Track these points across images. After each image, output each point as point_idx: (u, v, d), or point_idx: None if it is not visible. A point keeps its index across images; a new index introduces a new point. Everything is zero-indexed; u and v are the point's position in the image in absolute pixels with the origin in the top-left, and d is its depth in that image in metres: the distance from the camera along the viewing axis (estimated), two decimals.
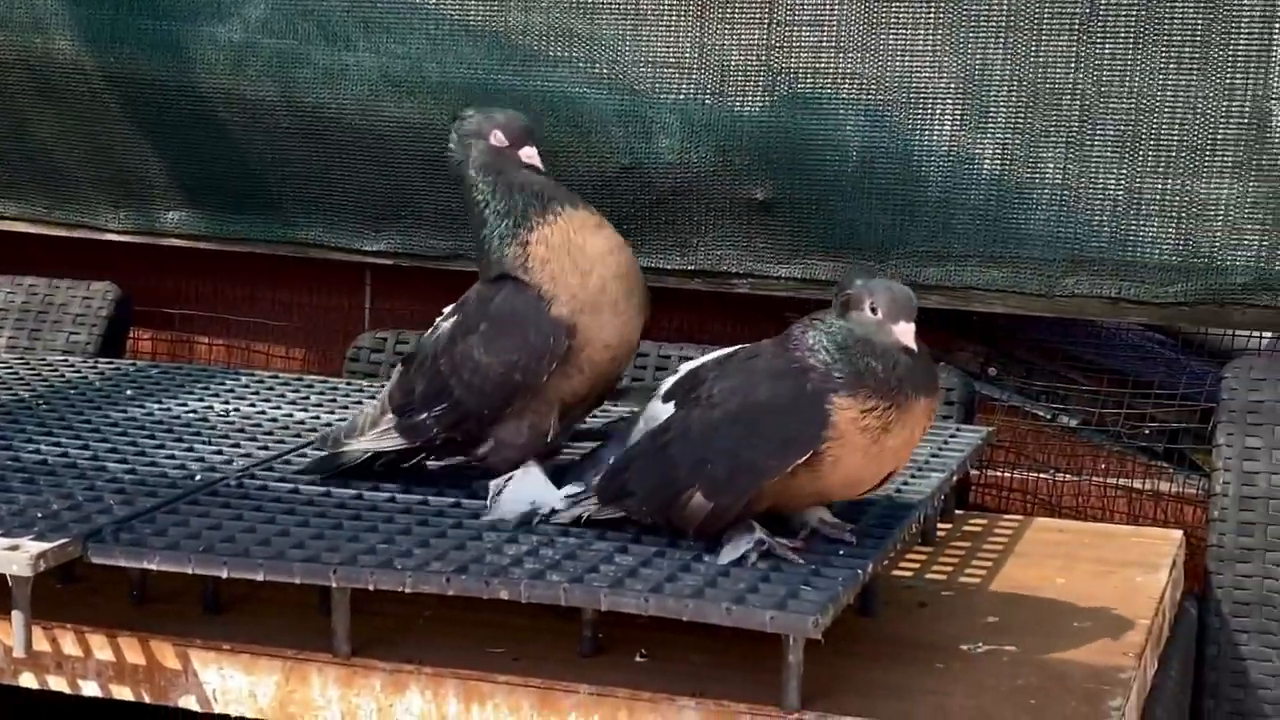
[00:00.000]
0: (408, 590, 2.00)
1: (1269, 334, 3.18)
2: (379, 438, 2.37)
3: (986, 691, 2.04)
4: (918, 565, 2.49)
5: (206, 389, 2.98)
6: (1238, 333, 3.21)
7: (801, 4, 3.15)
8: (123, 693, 2.18)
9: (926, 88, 3.11)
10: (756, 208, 3.22)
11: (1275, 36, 2.93)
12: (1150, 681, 2.28)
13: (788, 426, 2.03)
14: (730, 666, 2.07)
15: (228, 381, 3.05)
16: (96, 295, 3.58)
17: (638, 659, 2.11)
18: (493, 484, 2.26)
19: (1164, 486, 3.21)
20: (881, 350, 2.00)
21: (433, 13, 3.37)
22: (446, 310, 2.40)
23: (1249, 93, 2.95)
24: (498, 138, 2.32)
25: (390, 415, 2.36)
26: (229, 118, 3.52)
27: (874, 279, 2.05)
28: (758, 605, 1.91)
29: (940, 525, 2.64)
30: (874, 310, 2.01)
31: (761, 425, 2.05)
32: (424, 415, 2.31)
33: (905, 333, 1.99)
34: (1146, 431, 3.24)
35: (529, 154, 2.31)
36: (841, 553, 2.09)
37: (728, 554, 2.08)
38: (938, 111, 3.11)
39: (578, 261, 2.23)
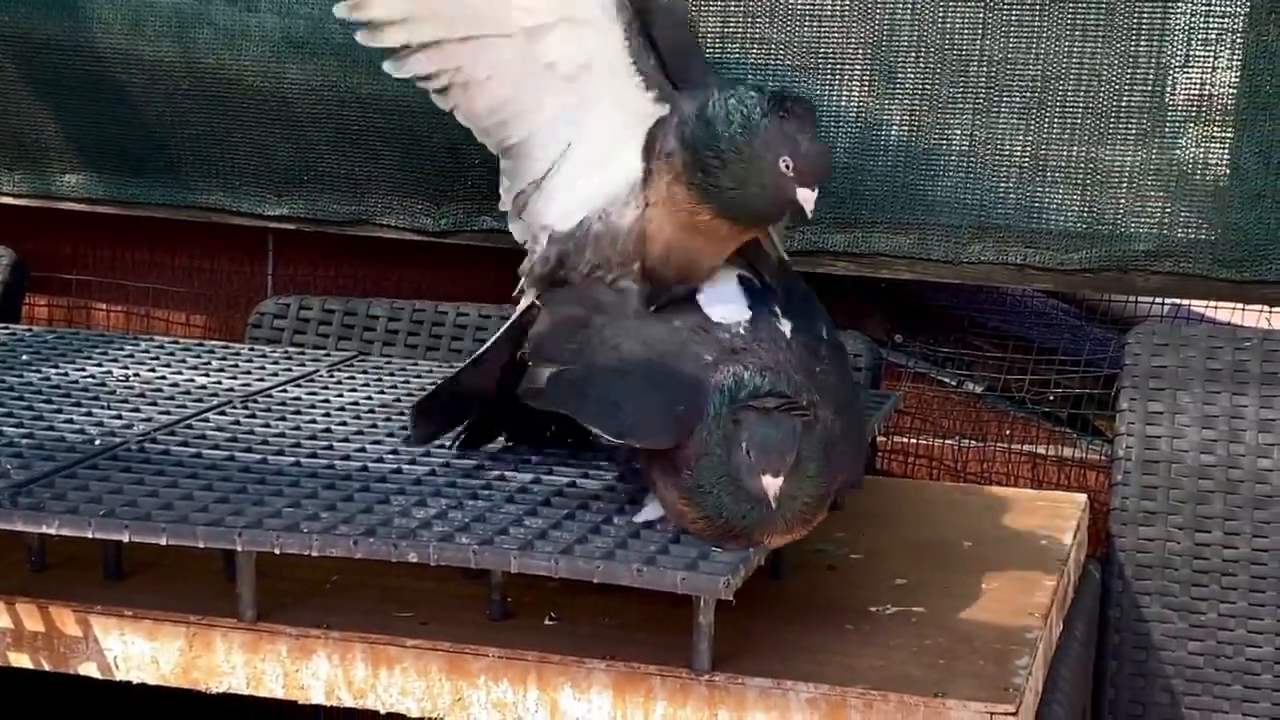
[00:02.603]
0: (314, 553, 1.98)
1: (1170, 300, 3.22)
2: None
3: (895, 652, 2.05)
4: (827, 529, 2.49)
5: (105, 354, 2.93)
6: (1140, 300, 3.24)
7: None
8: (21, 660, 2.13)
9: (833, 53, 3.10)
10: None
11: (1174, 5, 2.95)
12: (1055, 642, 2.30)
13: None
14: (640, 629, 2.06)
15: (127, 347, 3.00)
16: None
17: (547, 622, 2.10)
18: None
19: (1067, 452, 3.24)
20: (740, 495, 1.95)
21: None
22: None
23: (1152, 61, 2.98)
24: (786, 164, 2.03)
25: None
26: (127, 79, 3.45)
27: (760, 415, 1.94)
28: (668, 567, 1.91)
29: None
30: (748, 453, 1.93)
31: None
32: None
33: (770, 486, 1.92)
34: (1051, 398, 3.27)
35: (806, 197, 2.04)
36: None
37: (644, 514, 2.09)
38: (845, 77, 3.11)
39: None
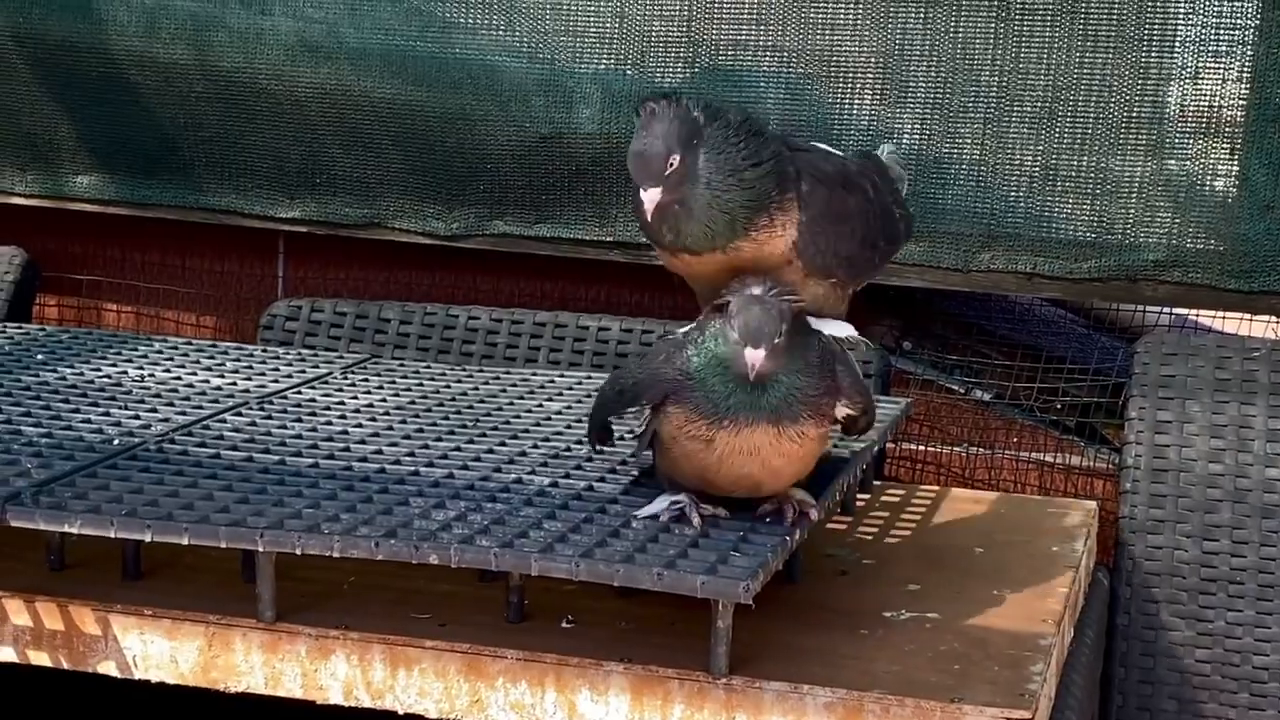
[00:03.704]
0: (336, 554, 1.99)
1: (1178, 310, 3.24)
2: None
3: (910, 657, 2.06)
4: (838, 534, 2.51)
5: (120, 354, 2.94)
6: (1147, 309, 3.25)
7: None
8: (40, 659, 2.14)
9: (847, 62, 3.13)
10: None
11: (1181, 16, 2.97)
12: (1067, 649, 2.31)
13: (634, 382, 2.10)
14: (656, 632, 2.07)
15: (141, 347, 3.01)
16: (2, 260, 3.51)
17: (564, 625, 2.11)
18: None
19: (1075, 460, 3.26)
20: (725, 372, 1.99)
21: None
22: None
23: (1163, 73, 3.00)
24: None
25: None
26: (141, 81, 3.47)
27: (751, 292, 1.99)
28: (688, 571, 1.92)
29: (859, 496, 2.66)
30: (733, 328, 1.98)
31: (624, 373, 2.16)
32: None
33: (753, 358, 1.95)
34: (1058, 406, 3.29)
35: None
36: (768, 520, 2.10)
37: (646, 510, 2.12)
38: (858, 86, 3.13)
39: None
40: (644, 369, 2.11)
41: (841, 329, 2.19)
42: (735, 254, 2.08)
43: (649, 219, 2.04)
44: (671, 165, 2.03)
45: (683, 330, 2.14)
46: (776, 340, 1.97)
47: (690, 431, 2.03)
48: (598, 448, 2.30)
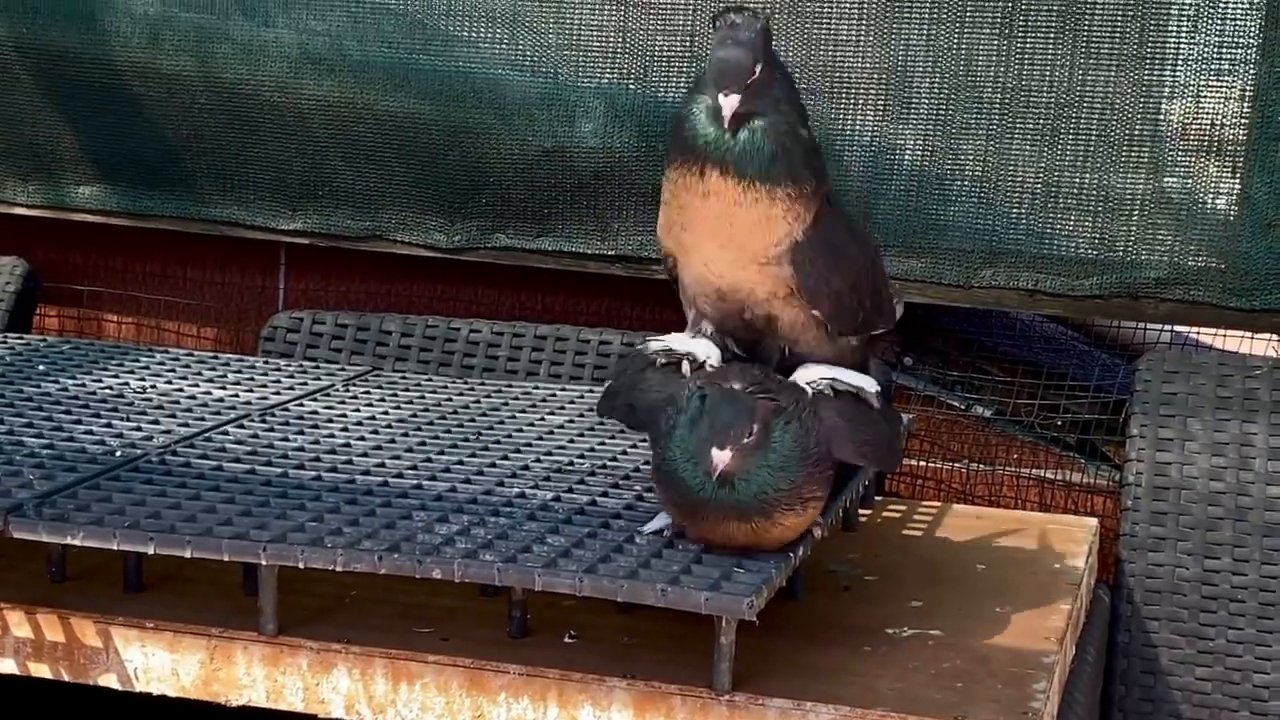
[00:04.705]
0: (339, 568, 1.99)
1: (1179, 328, 3.24)
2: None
3: (914, 674, 2.06)
4: (841, 550, 2.51)
5: (121, 365, 2.94)
6: (1148, 326, 3.26)
7: None
8: (41, 670, 2.14)
9: (849, 78, 3.13)
10: None
11: (1184, 34, 2.98)
12: (1069, 666, 2.31)
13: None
14: (659, 647, 2.07)
15: (142, 358, 3.01)
16: (4, 270, 3.50)
17: (566, 640, 2.11)
18: None
19: (1075, 477, 3.25)
20: (695, 467, 1.99)
21: None
22: None
23: (1164, 90, 3.00)
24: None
25: None
26: (144, 92, 3.47)
27: (722, 393, 2.01)
28: (692, 587, 1.92)
29: (861, 511, 2.66)
30: (703, 423, 1.99)
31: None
32: None
33: (719, 459, 1.95)
34: (1059, 423, 3.29)
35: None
36: None
37: (650, 525, 2.13)
38: (861, 102, 3.13)
39: None
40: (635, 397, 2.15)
41: (863, 380, 2.20)
42: (758, 202, 2.09)
43: (727, 124, 2.04)
44: (754, 75, 2.04)
45: (654, 345, 2.18)
46: (745, 439, 1.97)
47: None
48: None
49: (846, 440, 2.12)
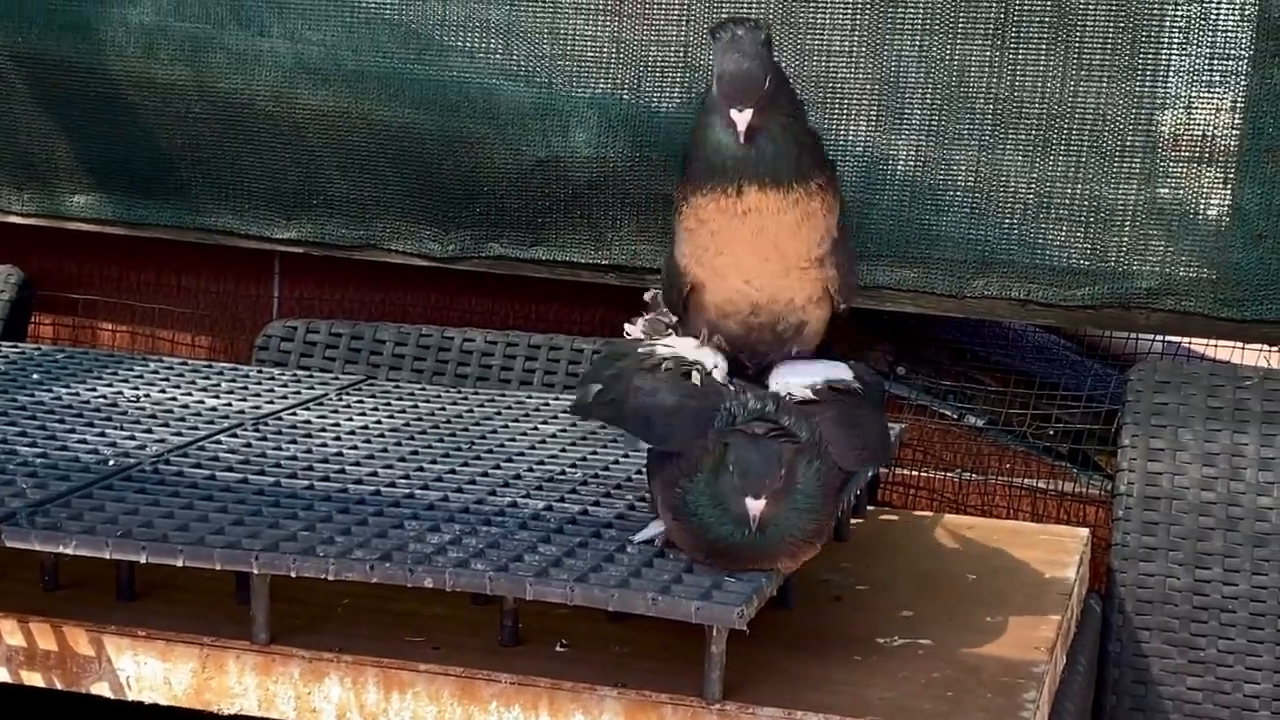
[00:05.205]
0: (330, 577, 1.99)
1: (1171, 338, 3.24)
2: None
3: (904, 684, 2.07)
4: (832, 560, 2.52)
5: (115, 374, 2.95)
6: (1140, 337, 3.26)
7: (719, 1, 3.16)
8: (34, 679, 2.15)
9: (842, 88, 3.14)
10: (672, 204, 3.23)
11: (1175, 45, 2.99)
12: (1060, 676, 2.32)
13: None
14: (650, 656, 2.08)
15: (136, 367, 3.02)
16: None
17: (558, 649, 2.11)
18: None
19: (1067, 487, 3.26)
20: (723, 514, 1.98)
21: (349, 0, 3.35)
22: None
23: (1155, 101, 3.01)
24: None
25: None
26: (139, 101, 3.48)
27: (747, 439, 1.98)
28: (682, 596, 1.92)
29: (853, 521, 2.67)
30: (733, 475, 1.97)
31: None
32: None
33: (751, 508, 1.95)
34: (1051, 433, 3.29)
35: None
36: None
37: (641, 534, 2.14)
38: (853, 112, 3.14)
39: None
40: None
41: (836, 370, 2.20)
42: (799, 203, 2.10)
43: (742, 140, 2.05)
44: (766, 89, 2.05)
45: (662, 350, 2.18)
46: (777, 487, 1.96)
47: (684, 544, 2.05)
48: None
49: (849, 451, 2.12)
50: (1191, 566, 2.81)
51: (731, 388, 2.13)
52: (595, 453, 2.56)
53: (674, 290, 2.25)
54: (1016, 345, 3.45)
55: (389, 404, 2.85)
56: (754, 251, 2.13)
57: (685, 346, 2.23)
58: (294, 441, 2.55)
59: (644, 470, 2.22)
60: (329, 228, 3.46)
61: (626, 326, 2.40)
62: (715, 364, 2.20)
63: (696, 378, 2.16)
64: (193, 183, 3.51)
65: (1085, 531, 2.76)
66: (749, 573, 2.01)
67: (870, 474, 2.60)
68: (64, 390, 2.81)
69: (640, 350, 2.25)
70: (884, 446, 2.28)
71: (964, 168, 3.10)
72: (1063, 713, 2.27)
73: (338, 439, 2.59)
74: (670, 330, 2.30)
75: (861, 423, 2.18)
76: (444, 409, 2.83)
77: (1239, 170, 2.99)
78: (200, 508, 2.18)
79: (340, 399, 2.87)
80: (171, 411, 2.71)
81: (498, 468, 2.45)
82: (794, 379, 2.17)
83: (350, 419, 2.72)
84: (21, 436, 2.49)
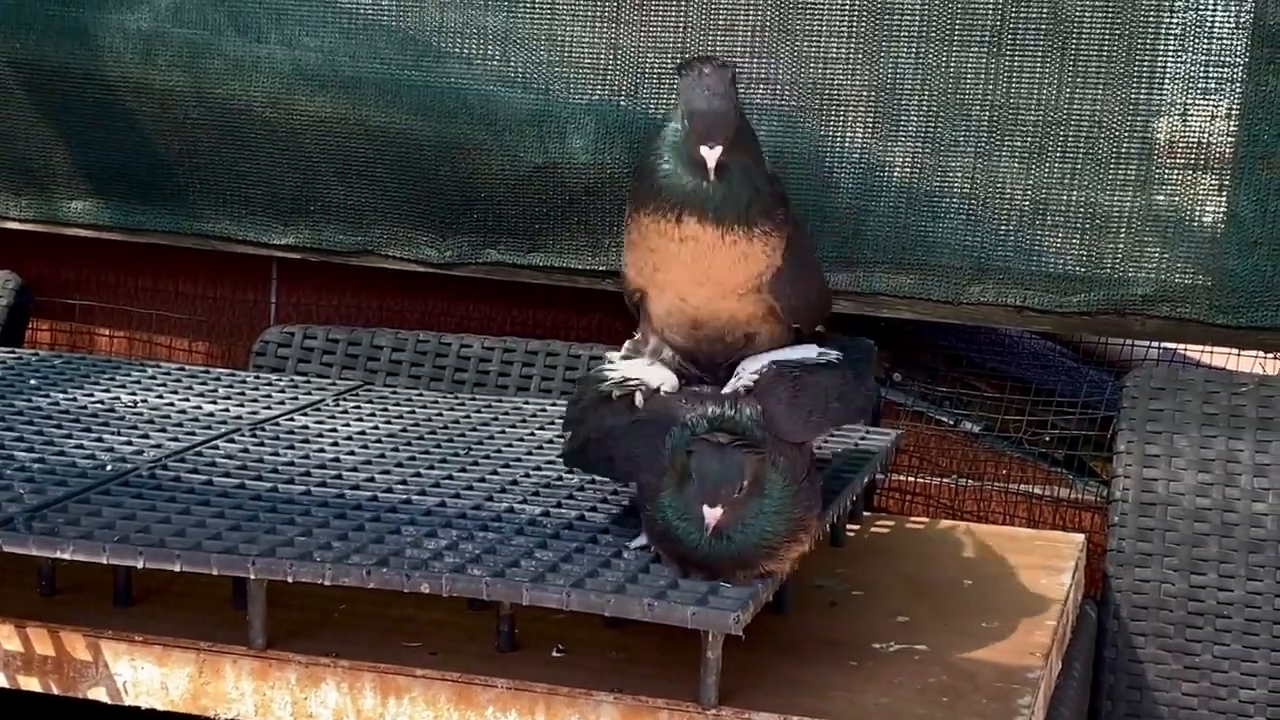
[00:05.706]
0: (327, 582, 2.00)
1: (1167, 344, 3.25)
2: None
3: (899, 689, 2.07)
4: (828, 565, 2.52)
5: (113, 380, 2.95)
6: (1135, 343, 3.27)
7: (717, 8, 3.17)
8: (30, 684, 2.15)
9: (839, 95, 3.15)
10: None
11: (1171, 53, 2.99)
12: (1055, 682, 2.32)
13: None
14: (646, 662, 2.08)
15: (134, 373, 3.02)
16: None
17: (554, 654, 2.12)
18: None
19: (1063, 493, 3.27)
20: (688, 522, 1.99)
21: (346, 6, 3.36)
22: None
23: (1151, 108, 3.02)
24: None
25: None
26: (137, 107, 3.48)
27: (710, 447, 1.99)
28: (679, 601, 1.93)
29: (849, 527, 2.67)
30: (696, 484, 1.98)
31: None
32: None
33: (710, 517, 1.96)
34: (1047, 439, 3.30)
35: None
36: None
37: (637, 540, 2.14)
38: (850, 119, 3.15)
39: None
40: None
41: (804, 352, 2.22)
42: (736, 243, 2.12)
43: (714, 175, 2.07)
44: (735, 127, 2.08)
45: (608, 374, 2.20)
46: (736, 495, 1.97)
47: (672, 564, 2.05)
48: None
49: (795, 424, 2.14)
50: (1187, 572, 2.81)
51: (684, 400, 2.14)
52: None
53: (626, 296, 2.30)
54: (1012, 351, 3.45)
55: (386, 409, 2.86)
56: (689, 276, 2.17)
57: (634, 368, 2.25)
58: (291, 447, 2.56)
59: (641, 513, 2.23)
60: (326, 233, 3.47)
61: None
62: (662, 380, 2.22)
63: (639, 399, 2.19)
64: (190, 188, 3.52)
65: (1080, 538, 2.76)
66: (744, 581, 2.01)
67: (866, 481, 2.60)
68: (61, 395, 2.81)
69: (596, 378, 2.28)
70: (847, 406, 2.26)
71: (960, 175, 3.10)
72: (1058, 718, 2.27)
73: (335, 444, 2.59)
74: (640, 339, 2.32)
75: (808, 390, 2.18)
76: (441, 414, 2.84)
77: (1234, 177, 3.00)
78: (197, 513, 2.18)
79: (337, 404, 2.88)
80: (169, 417, 2.71)
81: (494, 473, 2.45)
82: (752, 366, 2.20)
83: (347, 424, 2.73)
84: (19, 442, 2.49)
